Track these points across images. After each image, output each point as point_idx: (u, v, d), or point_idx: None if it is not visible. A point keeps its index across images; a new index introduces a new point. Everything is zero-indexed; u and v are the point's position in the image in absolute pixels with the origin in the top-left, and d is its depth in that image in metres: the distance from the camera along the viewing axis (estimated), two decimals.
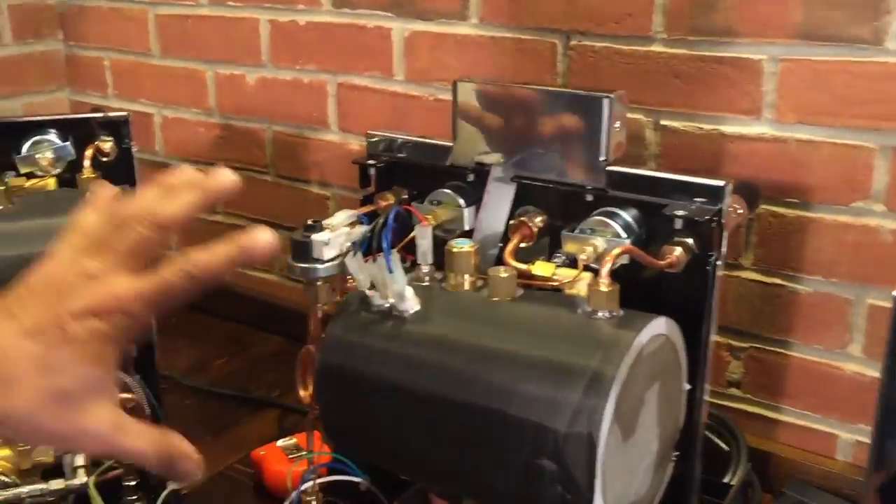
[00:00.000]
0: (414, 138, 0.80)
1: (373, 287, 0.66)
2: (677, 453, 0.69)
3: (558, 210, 0.73)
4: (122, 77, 1.52)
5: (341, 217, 0.69)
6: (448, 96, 1.12)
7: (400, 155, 0.80)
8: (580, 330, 0.61)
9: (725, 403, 1.02)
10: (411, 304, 0.66)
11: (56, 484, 0.82)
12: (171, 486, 0.85)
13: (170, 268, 0.46)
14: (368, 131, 0.82)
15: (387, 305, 0.67)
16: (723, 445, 0.95)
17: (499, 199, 0.74)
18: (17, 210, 0.85)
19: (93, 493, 0.83)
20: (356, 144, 1.26)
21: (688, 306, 0.67)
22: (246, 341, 1.41)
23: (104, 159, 0.93)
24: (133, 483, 0.88)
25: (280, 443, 1.04)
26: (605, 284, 0.62)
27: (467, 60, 1.11)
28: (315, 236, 0.67)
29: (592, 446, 0.57)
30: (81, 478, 0.82)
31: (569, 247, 0.69)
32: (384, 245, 0.66)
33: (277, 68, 1.31)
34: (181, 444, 0.49)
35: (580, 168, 0.70)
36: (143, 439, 0.48)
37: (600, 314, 0.62)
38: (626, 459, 0.61)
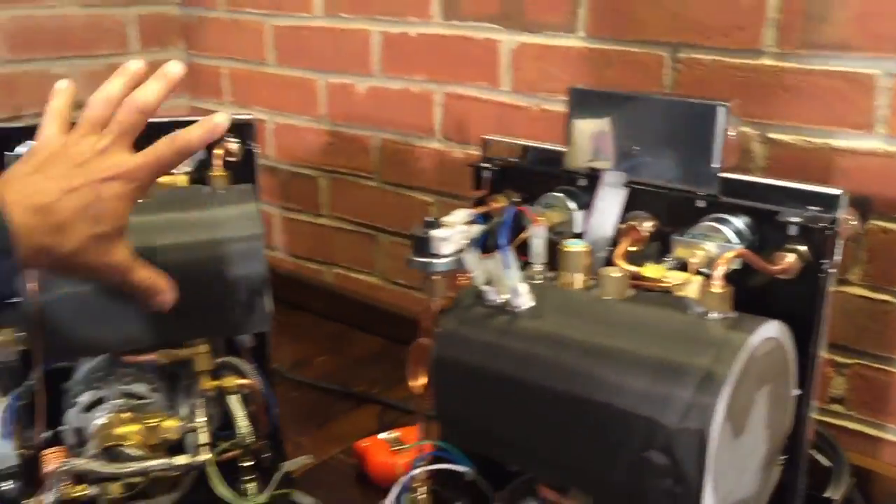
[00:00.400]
0: (528, 143, 0.83)
1: (488, 283, 0.70)
2: (784, 457, 0.69)
3: (668, 216, 0.74)
4: (238, 84, 1.60)
5: (459, 215, 0.73)
6: (553, 107, 1.17)
7: (513, 159, 0.83)
8: (693, 329, 0.63)
9: (828, 420, 1.01)
10: (525, 299, 0.69)
11: (180, 459, 0.86)
12: (286, 468, 0.90)
13: (159, 144, 0.67)
14: (483, 136, 0.85)
15: (500, 301, 0.70)
16: (824, 461, 0.95)
17: (609, 204, 0.76)
18: (152, 203, 0.90)
19: (213, 470, 0.88)
20: (460, 153, 1.30)
21: (797, 315, 0.68)
22: (347, 340, 1.46)
23: (231, 159, 0.99)
24: (249, 464, 0.92)
25: (382, 435, 1.08)
26: (718, 286, 0.63)
27: (573, 72, 1.14)
28: (434, 232, 0.71)
29: (703, 441, 0.58)
30: (204, 455, 0.87)
31: (679, 251, 0.70)
32: (501, 241, 0.69)
33: (387, 78, 1.36)
34: (161, 282, 0.72)
35: (692, 175, 0.72)
36: (145, 274, 0.71)
37: (712, 315, 0.63)
38: (735, 457, 0.62)
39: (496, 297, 0.70)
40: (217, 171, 0.95)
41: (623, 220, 0.76)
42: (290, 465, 0.90)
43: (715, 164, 0.70)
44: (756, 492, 0.67)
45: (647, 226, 0.75)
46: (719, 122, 0.69)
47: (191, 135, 0.68)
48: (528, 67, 1.19)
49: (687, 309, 0.65)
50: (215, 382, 0.92)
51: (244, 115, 1.03)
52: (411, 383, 0.80)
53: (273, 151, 1.57)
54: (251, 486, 0.91)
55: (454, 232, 0.71)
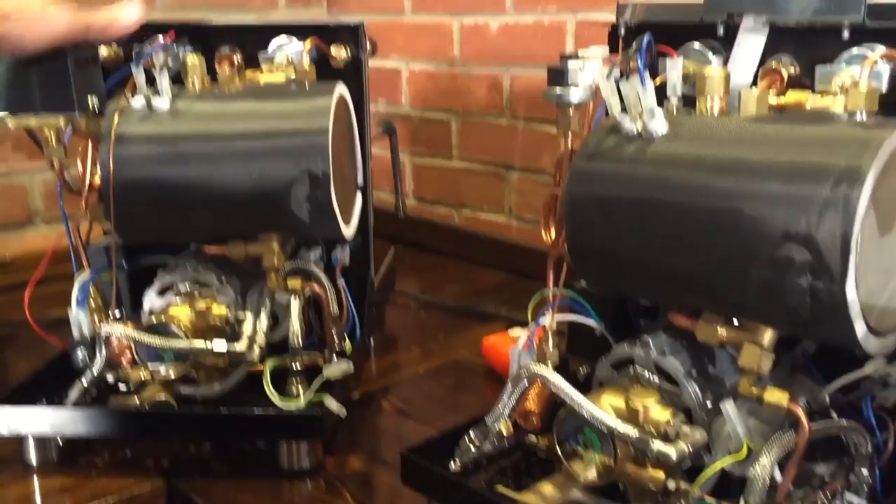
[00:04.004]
0: (663, 1, 0.83)
1: (623, 110, 0.70)
2: None
3: (813, 54, 0.72)
4: (376, 37, 1.67)
5: (597, 50, 0.74)
6: None
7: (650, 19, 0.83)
8: (834, 132, 0.61)
9: None
10: (660, 123, 0.69)
11: (219, 345, 0.87)
12: (325, 374, 0.90)
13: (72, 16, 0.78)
14: (619, 1, 0.86)
15: (635, 130, 0.70)
16: None
17: (749, 49, 0.75)
18: (236, 93, 0.93)
19: (265, 366, 0.90)
20: None
21: None
22: (475, 274, 1.48)
23: (334, 64, 1.02)
24: (298, 367, 0.93)
25: (511, 332, 1.08)
26: (863, 85, 0.61)
27: None
28: (571, 62, 0.72)
29: (847, 232, 0.57)
30: (242, 346, 0.87)
31: (822, 81, 0.69)
32: (638, 63, 0.69)
33: (519, 13, 1.39)
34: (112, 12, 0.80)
35: (837, 4, 0.70)
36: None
37: (857, 116, 0.62)
38: (880, 258, 0.60)
39: (630, 125, 0.70)
40: (304, 66, 0.97)
41: (762, 64, 0.75)
42: (328, 372, 0.91)
43: None
44: None
45: (789, 67, 0.74)
46: None
47: (92, 26, 0.80)
48: None
49: (831, 118, 0.64)
50: (282, 283, 0.92)
51: (350, 20, 1.06)
52: (545, 236, 0.82)
53: (406, 99, 1.62)
54: (299, 389, 0.92)
55: (590, 63, 0.72)
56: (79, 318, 0.93)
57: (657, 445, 0.62)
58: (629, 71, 0.72)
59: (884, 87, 0.66)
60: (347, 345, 0.99)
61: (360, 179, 1.05)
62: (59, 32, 0.78)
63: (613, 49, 0.85)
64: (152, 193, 0.87)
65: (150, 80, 0.89)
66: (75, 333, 0.94)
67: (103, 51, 0.98)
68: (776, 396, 0.63)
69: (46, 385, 0.93)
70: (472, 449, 0.75)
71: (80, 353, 0.93)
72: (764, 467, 0.62)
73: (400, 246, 1.43)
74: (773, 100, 0.70)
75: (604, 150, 0.72)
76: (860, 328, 0.59)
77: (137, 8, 0.81)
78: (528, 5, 1.38)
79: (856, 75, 0.65)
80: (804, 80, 0.73)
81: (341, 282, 1.01)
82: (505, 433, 0.77)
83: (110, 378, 0.91)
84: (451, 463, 0.75)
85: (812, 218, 0.58)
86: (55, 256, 0.97)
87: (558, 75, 0.72)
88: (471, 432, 0.75)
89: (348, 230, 0.96)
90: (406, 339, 1.22)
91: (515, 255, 1.45)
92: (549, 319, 0.80)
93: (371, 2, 1.66)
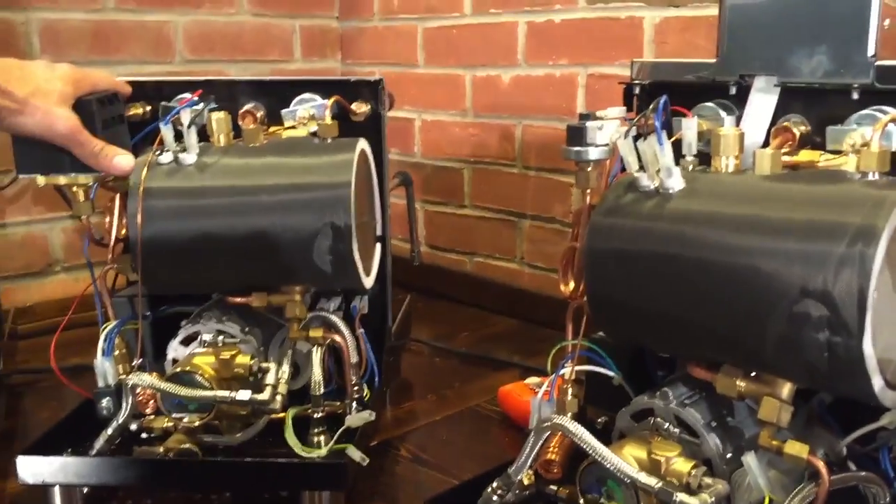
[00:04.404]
0: (676, 60, 0.86)
1: (640, 169, 0.72)
2: None
3: (824, 114, 0.75)
4: (389, 87, 1.71)
5: (614, 111, 0.76)
6: None
7: (662, 78, 0.86)
8: (846, 192, 0.64)
9: None
10: (677, 180, 0.71)
11: (242, 395, 0.87)
12: (347, 423, 0.92)
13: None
14: (633, 59, 0.89)
15: (652, 187, 0.72)
16: None
17: (761, 109, 0.78)
18: (261, 147, 0.95)
19: (287, 416, 0.91)
20: None
21: None
22: (487, 321, 1.50)
23: (354, 119, 1.04)
24: (319, 416, 0.94)
25: (527, 380, 1.10)
26: (875, 146, 0.64)
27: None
28: (590, 123, 0.74)
29: (864, 288, 0.59)
30: (266, 395, 0.88)
31: (833, 141, 0.71)
32: (656, 123, 0.72)
33: (531, 66, 1.43)
34: (116, 149, 0.88)
35: (846, 66, 0.73)
36: (97, 141, 0.86)
37: (870, 176, 0.64)
38: (893, 314, 0.61)
39: (648, 182, 0.72)
40: (327, 119, 0.99)
41: (774, 123, 0.78)
42: (351, 421, 0.92)
43: (871, 53, 0.71)
44: None
45: (801, 127, 0.76)
46: (874, 8, 0.70)
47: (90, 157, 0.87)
48: (672, 40, 1.23)
49: (844, 177, 0.66)
50: (303, 333, 0.94)
51: (367, 75, 1.09)
52: (563, 288, 0.83)
53: (419, 148, 1.66)
54: (321, 439, 0.93)
55: (608, 123, 0.75)
56: (104, 368, 0.94)
57: (681, 497, 0.63)
58: (647, 130, 0.75)
59: (894, 146, 0.68)
60: (367, 393, 1.00)
61: (379, 230, 1.08)
62: (58, 135, 0.84)
63: (627, 104, 0.88)
64: (179, 245, 0.90)
65: (177, 136, 0.92)
66: (100, 382, 0.95)
67: (129, 107, 1.01)
68: (796, 449, 0.65)
69: (69, 433, 0.94)
70: (496, 499, 0.76)
71: (105, 402, 0.94)
72: None
73: (414, 293, 1.45)
74: (785, 158, 0.72)
75: (622, 205, 0.74)
76: (877, 382, 0.61)
77: (130, 162, 0.88)
78: (541, 59, 1.41)
79: (866, 135, 0.68)
80: (815, 139, 0.75)
81: (360, 331, 1.03)
82: (526, 482, 0.78)
83: (134, 427, 0.92)
84: None
85: (829, 274, 0.60)
86: (68, 304, 0.99)
87: (577, 134, 0.75)
88: (494, 483, 0.76)
89: (368, 280, 0.98)
90: (421, 387, 1.23)
91: (527, 302, 1.47)
92: (568, 370, 0.82)
93: (384, 53, 1.70)
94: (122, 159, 0.88)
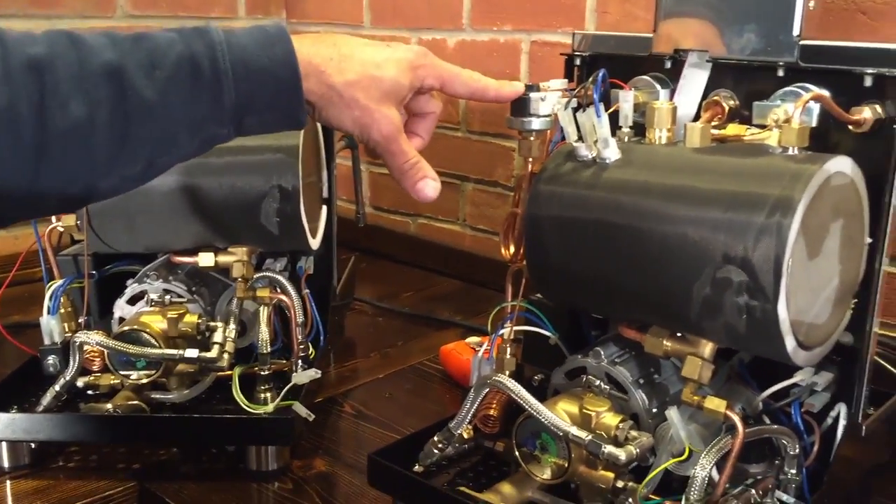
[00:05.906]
0: (615, 33, 0.89)
1: (579, 139, 0.76)
2: (856, 301, 0.73)
3: (751, 90, 0.79)
4: None
5: (556, 83, 0.79)
6: None
7: (601, 50, 0.89)
8: (768, 165, 0.68)
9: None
10: (613, 151, 0.75)
11: (190, 352, 0.89)
12: (294, 381, 0.94)
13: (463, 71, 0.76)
14: (574, 31, 0.92)
15: (590, 157, 0.76)
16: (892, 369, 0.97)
17: (693, 83, 0.82)
18: None
19: (234, 374, 0.93)
20: None
21: (871, 172, 0.72)
22: (430, 282, 1.53)
23: None
24: (266, 374, 0.96)
25: (468, 340, 1.13)
26: (796, 122, 0.68)
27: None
28: (533, 94, 0.77)
29: (780, 256, 0.63)
30: (214, 353, 0.90)
31: (759, 116, 0.76)
32: (594, 96, 0.75)
33: (476, 31, 1.45)
34: (428, 167, 0.73)
35: (773, 45, 0.77)
36: (411, 149, 0.72)
37: (790, 151, 0.68)
38: (808, 279, 0.66)
39: (586, 152, 0.76)
40: None
41: (706, 97, 0.82)
42: (297, 378, 0.94)
43: (796, 33, 0.75)
44: (828, 323, 0.70)
45: (730, 101, 0.80)
46: None
47: (489, 87, 0.75)
48: (613, 9, 1.26)
49: (766, 151, 0.70)
50: (250, 293, 0.96)
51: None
52: (504, 252, 0.87)
53: None
54: (267, 395, 0.95)
55: (550, 94, 0.78)
56: (50, 326, 0.95)
57: (608, 448, 0.68)
58: (586, 102, 0.78)
59: (814, 122, 0.73)
60: (312, 351, 1.03)
61: (325, 192, 1.10)
62: (372, 139, 0.69)
63: (568, 75, 0.91)
64: (126, 205, 0.90)
65: None
66: (46, 340, 0.96)
67: None
68: (715, 404, 0.70)
69: (14, 391, 0.95)
70: (436, 452, 0.80)
71: (52, 360, 0.95)
72: (703, 468, 0.68)
73: (358, 254, 1.47)
74: (714, 131, 0.76)
75: (561, 174, 0.78)
76: (790, 343, 0.66)
77: (437, 190, 0.73)
78: (486, 24, 1.43)
79: (789, 111, 0.72)
80: (743, 113, 0.79)
81: (306, 291, 1.05)
82: (466, 436, 0.82)
83: (80, 384, 0.93)
84: (416, 465, 0.80)
85: (749, 242, 0.65)
86: (7, 261, 0.99)
87: (521, 106, 0.77)
88: (436, 437, 0.80)
89: (315, 242, 1.00)
90: (365, 346, 1.26)
91: (469, 264, 1.50)
92: (507, 330, 0.86)
93: (330, 12, 1.70)
94: (427, 186, 0.72)
